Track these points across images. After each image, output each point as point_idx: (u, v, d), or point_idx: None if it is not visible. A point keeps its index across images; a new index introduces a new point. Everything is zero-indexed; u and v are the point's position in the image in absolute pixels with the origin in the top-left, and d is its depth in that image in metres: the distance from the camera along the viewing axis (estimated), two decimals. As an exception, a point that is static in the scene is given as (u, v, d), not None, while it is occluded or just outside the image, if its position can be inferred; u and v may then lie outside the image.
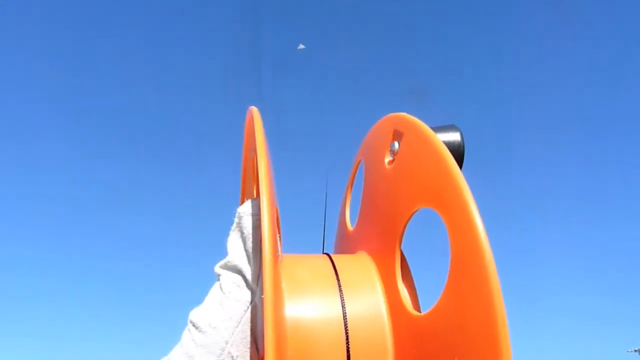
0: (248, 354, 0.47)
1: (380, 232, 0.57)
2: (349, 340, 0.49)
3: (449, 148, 0.56)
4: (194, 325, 0.47)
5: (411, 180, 0.51)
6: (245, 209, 0.51)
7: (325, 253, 0.60)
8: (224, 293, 0.48)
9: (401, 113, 0.56)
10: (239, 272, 0.49)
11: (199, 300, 0.50)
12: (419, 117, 0.53)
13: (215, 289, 0.49)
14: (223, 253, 0.52)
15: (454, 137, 0.56)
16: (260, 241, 0.42)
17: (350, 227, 0.68)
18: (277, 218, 0.51)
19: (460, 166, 0.57)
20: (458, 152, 0.56)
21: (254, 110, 0.54)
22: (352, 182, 0.69)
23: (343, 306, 0.51)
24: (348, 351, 0.49)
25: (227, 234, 0.53)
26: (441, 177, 0.46)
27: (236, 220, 0.51)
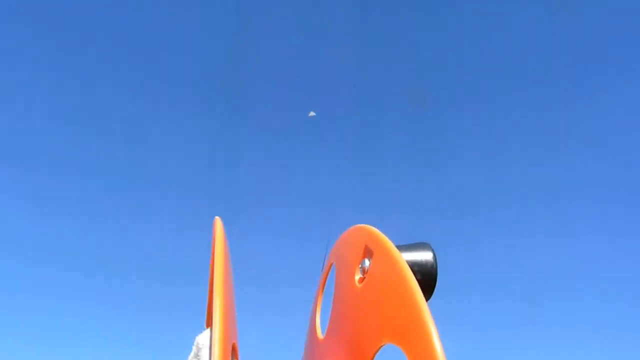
0: None
1: (348, 352, 0.54)
2: None
3: (420, 269, 0.54)
4: None
5: (378, 310, 0.49)
6: (204, 340, 0.48)
7: None
8: None
9: (374, 229, 0.54)
10: None
11: None
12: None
13: None
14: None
15: (426, 256, 0.55)
16: None
17: (320, 334, 0.65)
18: (235, 350, 0.48)
19: (433, 287, 0.55)
20: (430, 273, 0.54)
21: (218, 223, 0.52)
22: (323, 286, 0.67)
23: None
24: None
25: None
26: (406, 315, 0.44)
27: (194, 349, 0.48)
